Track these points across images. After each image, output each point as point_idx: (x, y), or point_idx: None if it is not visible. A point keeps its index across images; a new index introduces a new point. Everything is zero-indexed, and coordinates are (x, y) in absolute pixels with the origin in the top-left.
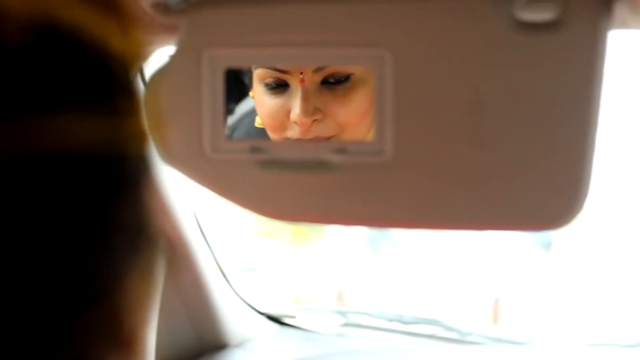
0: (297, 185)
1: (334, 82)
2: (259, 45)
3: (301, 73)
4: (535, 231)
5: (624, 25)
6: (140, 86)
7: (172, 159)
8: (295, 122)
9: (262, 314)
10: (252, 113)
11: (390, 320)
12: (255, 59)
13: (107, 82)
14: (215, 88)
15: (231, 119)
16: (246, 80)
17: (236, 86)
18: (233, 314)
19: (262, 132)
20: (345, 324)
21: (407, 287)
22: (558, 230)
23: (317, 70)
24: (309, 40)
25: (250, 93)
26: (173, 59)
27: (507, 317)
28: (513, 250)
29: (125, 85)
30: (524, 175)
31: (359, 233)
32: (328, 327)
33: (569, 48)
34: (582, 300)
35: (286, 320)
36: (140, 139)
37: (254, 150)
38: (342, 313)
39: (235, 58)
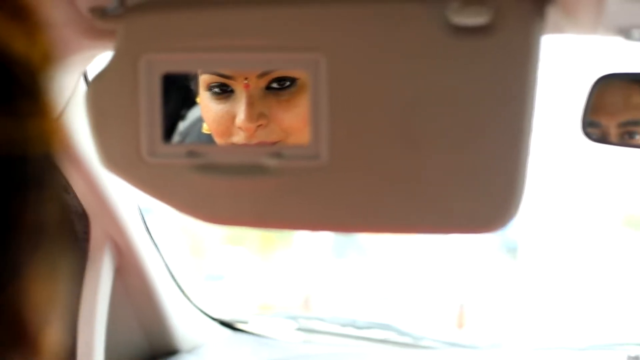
0: (233, 189)
1: (279, 87)
2: (196, 50)
3: (246, 78)
4: (470, 234)
5: (558, 29)
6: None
7: (111, 164)
8: (240, 128)
9: (214, 319)
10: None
11: (343, 325)
12: (191, 64)
13: (8, 84)
14: (152, 93)
15: (183, 125)
16: (193, 86)
17: (186, 92)
18: (184, 320)
19: (210, 138)
20: (299, 329)
21: (373, 293)
22: (493, 233)
23: (262, 75)
24: (244, 45)
25: (198, 99)
26: (111, 63)
27: (472, 322)
28: (478, 256)
29: (28, 88)
30: (459, 178)
31: (325, 240)
32: (281, 333)
33: (502, 52)
34: (547, 305)
35: (239, 326)
36: (44, 140)
37: (191, 154)
38: (295, 318)
39: (172, 63)
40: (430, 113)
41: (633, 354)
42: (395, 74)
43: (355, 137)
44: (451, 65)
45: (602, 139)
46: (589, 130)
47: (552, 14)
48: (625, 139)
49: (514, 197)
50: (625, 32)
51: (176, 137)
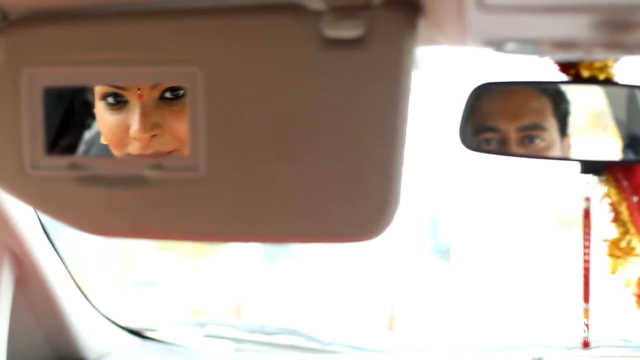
0: (115, 201)
1: (173, 97)
2: (77, 64)
3: (139, 89)
4: (346, 243)
5: (430, 41)
6: None
7: None
8: (134, 138)
9: (122, 327)
10: None
11: (252, 331)
12: (72, 78)
13: None
14: (34, 106)
15: (89, 134)
16: (90, 98)
17: (89, 103)
18: (90, 328)
19: (107, 148)
20: (207, 336)
21: (303, 298)
22: (368, 241)
23: (155, 85)
24: (125, 58)
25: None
26: None
27: (403, 325)
28: (409, 259)
29: None
30: (334, 189)
31: (255, 245)
32: (189, 340)
33: (375, 63)
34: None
35: (147, 334)
36: None
37: (73, 167)
38: (203, 325)
39: (54, 77)
40: (305, 125)
41: (537, 356)
42: (271, 86)
43: (232, 149)
44: (325, 77)
45: (500, 144)
46: (488, 135)
47: (424, 27)
48: (525, 143)
49: (389, 206)
50: (495, 44)
51: (82, 147)
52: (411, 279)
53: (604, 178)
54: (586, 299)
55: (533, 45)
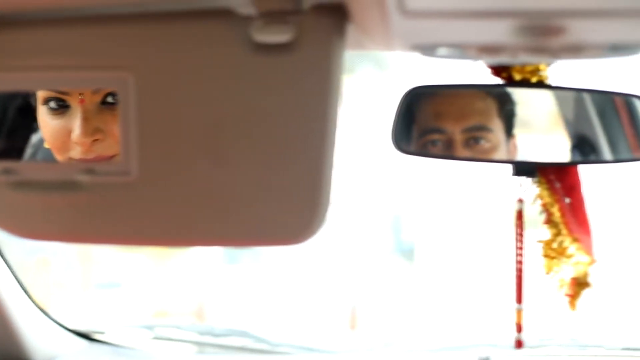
0: (48, 205)
1: (114, 102)
2: (10, 70)
3: (80, 94)
4: (277, 246)
5: (359, 46)
6: None
7: None
8: (76, 143)
9: (70, 330)
10: None
11: (201, 333)
12: (5, 84)
13: None
14: None
15: (36, 137)
16: (33, 102)
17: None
18: (36, 331)
19: (51, 152)
20: (156, 338)
21: (266, 298)
22: (300, 244)
23: (97, 90)
24: (57, 64)
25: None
26: None
27: (365, 324)
28: (372, 259)
29: None
30: (265, 193)
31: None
32: (138, 342)
33: (304, 68)
34: (440, 306)
35: (96, 336)
36: None
37: (6, 171)
38: (151, 327)
39: None
40: (236, 129)
41: (484, 355)
42: (202, 91)
43: (164, 153)
44: (256, 81)
45: (445, 146)
46: (433, 137)
47: (352, 32)
48: (470, 144)
49: (319, 209)
50: (421, 49)
51: (29, 150)
52: (374, 279)
53: (537, 180)
54: (519, 299)
55: (460, 50)
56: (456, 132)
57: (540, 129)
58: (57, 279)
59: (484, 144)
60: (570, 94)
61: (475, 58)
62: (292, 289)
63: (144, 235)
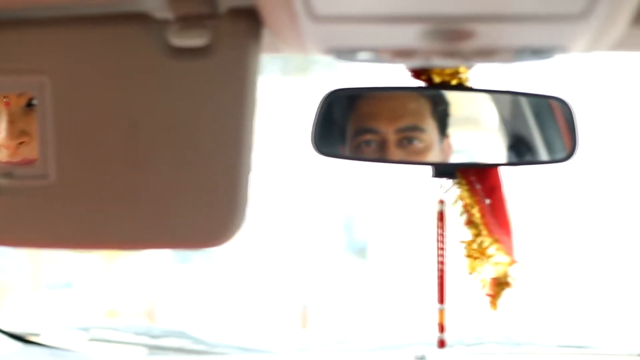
0: None
1: None
2: None
3: (6, 97)
4: (195, 248)
5: (276, 50)
6: None
7: None
8: (1, 146)
9: (3, 332)
10: None
11: (138, 334)
12: None
13: None
14: None
15: None
16: None
17: None
18: None
19: None
20: (92, 339)
21: (216, 297)
22: (217, 247)
23: (22, 93)
24: None
25: None
26: None
27: (317, 324)
28: (324, 257)
29: None
30: (182, 195)
31: None
32: (74, 343)
33: (221, 72)
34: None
35: (31, 338)
36: None
37: None
38: (87, 329)
39: None
40: (153, 133)
41: (419, 354)
42: (119, 94)
43: (82, 157)
44: (172, 85)
45: (379, 146)
46: (367, 137)
47: (268, 36)
48: (404, 145)
49: (237, 212)
50: (335, 53)
51: None
52: (326, 278)
53: (458, 181)
54: (441, 300)
55: (373, 54)
56: (389, 132)
57: (474, 129)
58: (5, 280)
59: (417, 144)
60: (500, 96)
61: (390, 62)
62: (244, 288)
63: (62, 238)
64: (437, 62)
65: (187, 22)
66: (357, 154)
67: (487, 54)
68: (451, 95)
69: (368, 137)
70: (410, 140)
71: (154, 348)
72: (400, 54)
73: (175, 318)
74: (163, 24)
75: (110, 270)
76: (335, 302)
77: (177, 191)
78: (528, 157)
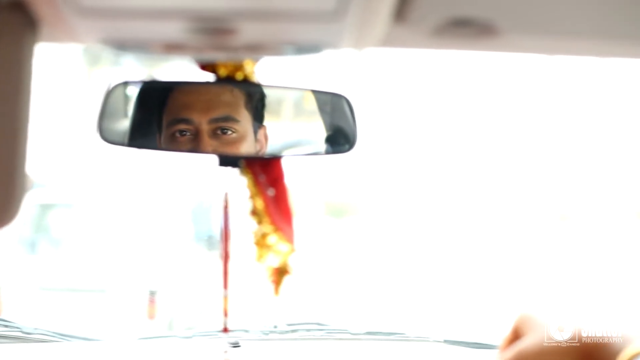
0: None
1: None
2: None
3: None
4: None
5: (54, 40)
6: None
7: None
8: None
9: None
10: None
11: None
12: None
13: None
14: None
15: None
16: None
17: None
18: None
19: None
20: None
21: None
22: None
23: None
24: None
25: None
26: None
27: (164, 313)
28: (173, 248)
29: None
30: None
31: (14, 235)
32: None
33: None
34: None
35: None
36: None
37: None
38: None
39: None
40: None
41: (233, 340)
42: None
43: None
44: None
45: (193, 136)
46: (181, 127)
47: (45, 27)
48: (217, 135)
49: (14, 199)
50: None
51: None
52: (175, 267)
53: (244, 172)
54: (225, 285)
55: (145, 47)
56: (203, 122)
57: (285, 121)
58: None
59: (231, 134)
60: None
61: (163, 54)
62: (92, 277)
63: None
64: (210, 55)
65: None
66: (170, 145)
67: (254, 49)
68: (267, 88)
69: (182, 126)
70: (223, 130)
71: (24, 341)
72: (171, 48)
73: (22, 309)
74: None
75: None
76: (185, 293)
77: None
78: (313, 149)
